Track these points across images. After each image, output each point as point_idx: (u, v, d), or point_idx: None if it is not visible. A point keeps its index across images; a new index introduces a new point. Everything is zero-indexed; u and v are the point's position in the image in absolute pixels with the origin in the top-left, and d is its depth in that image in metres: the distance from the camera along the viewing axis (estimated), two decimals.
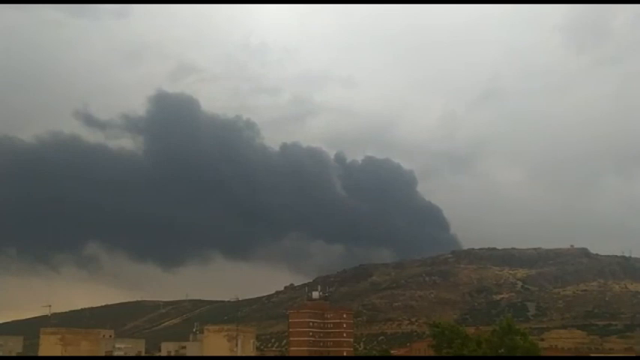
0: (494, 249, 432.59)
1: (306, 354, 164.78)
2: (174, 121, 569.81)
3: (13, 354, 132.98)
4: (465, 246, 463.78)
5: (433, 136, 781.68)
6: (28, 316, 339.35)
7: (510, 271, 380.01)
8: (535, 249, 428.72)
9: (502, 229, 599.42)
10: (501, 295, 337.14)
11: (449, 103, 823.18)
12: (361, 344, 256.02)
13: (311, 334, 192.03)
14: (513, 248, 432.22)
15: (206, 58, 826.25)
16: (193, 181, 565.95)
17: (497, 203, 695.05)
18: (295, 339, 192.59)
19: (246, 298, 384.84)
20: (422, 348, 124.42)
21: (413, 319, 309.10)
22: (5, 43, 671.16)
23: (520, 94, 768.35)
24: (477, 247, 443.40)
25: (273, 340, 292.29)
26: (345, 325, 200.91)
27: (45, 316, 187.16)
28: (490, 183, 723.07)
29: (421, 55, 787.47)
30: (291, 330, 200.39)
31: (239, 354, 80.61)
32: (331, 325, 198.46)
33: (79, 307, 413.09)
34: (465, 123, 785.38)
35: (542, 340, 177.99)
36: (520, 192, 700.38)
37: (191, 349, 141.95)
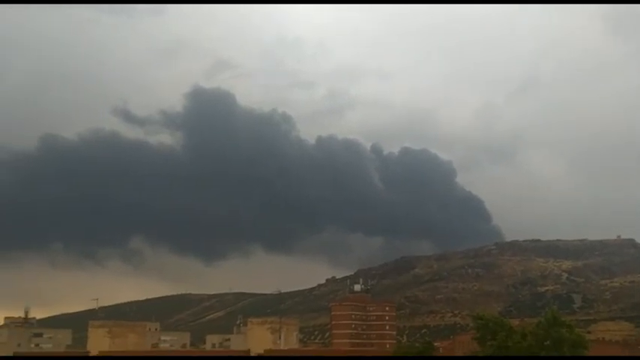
0: (538, 240, 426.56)
1: (349, 347, 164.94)
2: (211, 117, 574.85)
3: (63, 346, 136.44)
4: (508, 238, 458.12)
5: (472, 128, 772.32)
6: (76, 310, 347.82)
7: (555, 263, 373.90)
8: (580, 240, 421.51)
9: (546, 220, 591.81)
10: (546, 287, 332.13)
11: (487, 94, 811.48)
12: (404, 337, 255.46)
13: (353, 326, 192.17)
14: (558, 240, 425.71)
15: (242, 54, 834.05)
16: (231, 175, 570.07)
17: (539, 194, 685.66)
18: (338, 332, 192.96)
19: (289, 291, 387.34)
20: (465, 340, 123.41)
21: (456, 312, 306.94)
22: (44, 44, 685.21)
23: (560, 83, 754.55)
24: (520, 238, 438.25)
25: (316, 333, 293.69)
26: (387, 318, 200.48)
27: (92, 310, 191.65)
28: (531, 174, 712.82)
29: (458, 46, 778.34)
30: (333, 323, 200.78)
31: (282, 346, 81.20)
32: (374, 318, 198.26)
33: (125, 301, 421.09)
34: (503, 114, 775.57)
35: (589, 332, 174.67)
36: (563, 183, 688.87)
37: (235, 342, 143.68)
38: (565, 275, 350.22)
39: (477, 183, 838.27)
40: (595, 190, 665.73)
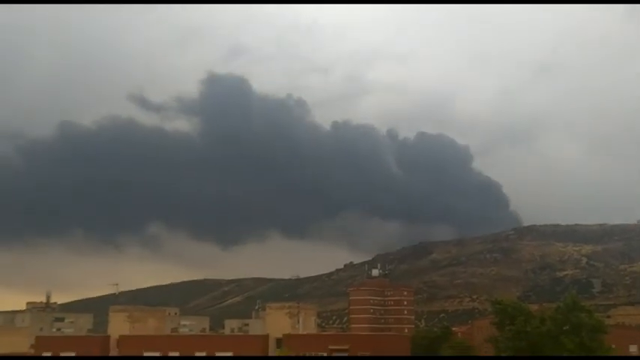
0: (557, 225, 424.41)
1: (367, 331, 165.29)
2: (226, 103, 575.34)
3: (84, 331, 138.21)
4: (527, 222, 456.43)
5: (490, 112, 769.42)
6: (97, 295, 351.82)
7: (575, 248, 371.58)
8: (600, 225, 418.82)
9: (565, 204, 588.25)
10: (565, 272, 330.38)
11: (505, 79, 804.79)
12: (422, 321, 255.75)
13: (372, 311, 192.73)
14: (577, 224, 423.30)
15: (257, 39, 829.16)
16: (248, 160, 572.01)
17: (558, 179, 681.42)
18: (356, 316, 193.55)
19: (307, 276, 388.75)
20: (484, 325, 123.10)
21: (474, 297, 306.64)
22: (61, 33, 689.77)
23: (579, 67, 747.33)
24: (539, 223, 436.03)
25: (334, 318, 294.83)
26: (405, 303, 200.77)
27: (113, 295, 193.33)
28: (550, 158, 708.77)
29: (476, 29, 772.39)
30: (351, 307, 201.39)
31: (300, 331, 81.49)
32: (392, 303, 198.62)
33: (145, 286, 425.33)
34: (521, 98, 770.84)
35: (609, 317, 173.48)
36: (582, 167, 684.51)
37: (254, 327, 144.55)
38: (584, 260, 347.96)
39: (495, 167, 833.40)
40: (615, 174, 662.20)
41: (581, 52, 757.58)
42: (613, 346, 76.32)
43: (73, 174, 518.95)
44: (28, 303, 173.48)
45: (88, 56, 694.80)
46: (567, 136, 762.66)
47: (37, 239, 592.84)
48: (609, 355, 69.13)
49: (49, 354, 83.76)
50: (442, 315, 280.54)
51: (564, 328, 71.67)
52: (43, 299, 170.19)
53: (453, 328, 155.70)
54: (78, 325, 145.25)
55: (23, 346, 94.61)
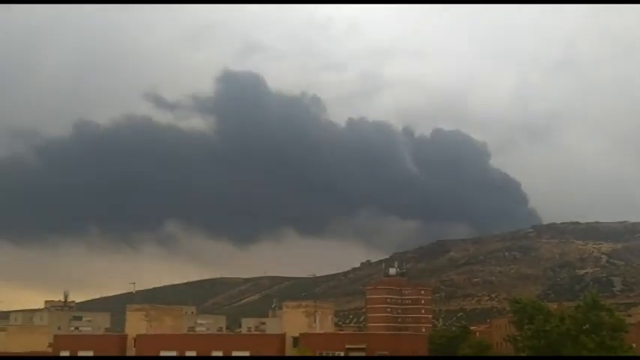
0: (577, 223, 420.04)
1: (384, 330, 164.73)
2: (241, 100, 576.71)
3: (102, 330, 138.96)
4: (546, 220, 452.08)
5: (507, 107, 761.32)
6: (114, 293, 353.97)
7: (595, 245, 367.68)
8: (620, 222, 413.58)
9: (584, 202, 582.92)
10: (585, 270, 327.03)
11: (523, 74, 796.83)
12: (440, 320, 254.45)
13: (389, 310, 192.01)
14: (597, 222, 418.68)
15: (271, 36, 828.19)
16: (262, 158, 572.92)
17: (577, 175, 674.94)
18: (373, 315, 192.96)
19: (323, 274, 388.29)
20: (502, 324, 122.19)
21: (493, 295, 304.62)
22: (77, 32, 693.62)
23: (597, 60, 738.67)
24: (558, 221, 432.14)
25: (351, 317, 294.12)
26: (423, 302, 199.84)
27: (130, 293, 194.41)
28: (569, 154, 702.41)
29: (493, 24, 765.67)
30: (368, 306, 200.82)
31: (317, 330, 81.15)
32: (409, 302, 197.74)
33: (161, 285, 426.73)
34: (540, 93, 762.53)
35: (630, 315, 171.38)
36: (602, 163, 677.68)
37: (270, 326, 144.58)
38: (605, 258, 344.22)
39: (513, 164, 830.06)
40: (635, 171, 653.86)
41: (601, 46, 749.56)
42: (634, 345, 75.34)
43: (89, 173, 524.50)
44: (46, 302, 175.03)
45: (104, 55, 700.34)
46: (587, 132, 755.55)
47: (55, 238, 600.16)
48: (621, 356, 68.01)
49: (67, 352, 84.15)
50: (460, 314, 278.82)
51: (584, 327, 70.88)
52: (61, 298, 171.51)
53: (472, 327, 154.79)
54: (96, 324, 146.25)
55: (42, 345, 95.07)
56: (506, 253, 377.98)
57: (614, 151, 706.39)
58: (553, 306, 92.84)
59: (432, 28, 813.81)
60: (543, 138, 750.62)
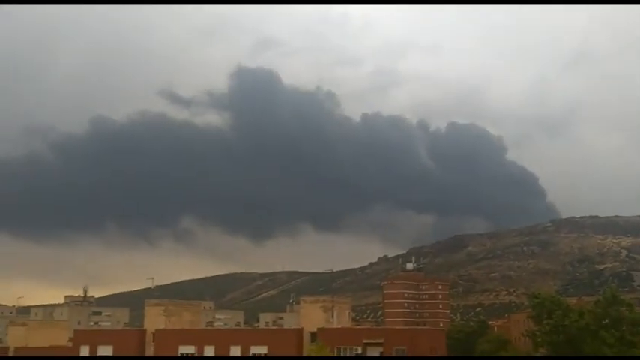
0: (596, 217, 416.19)
1: (402, 325, 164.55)
2: (255, 96, 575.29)
3: (121, 324, 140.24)
4: (564, 214, 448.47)
5: (523, 102, 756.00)
6: (132, 289, 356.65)
7: (614, 240, 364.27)
8: None
9: (603, 196, 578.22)
10: (604, 265, 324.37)
11: (538, 68, 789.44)
12: (458, 315, 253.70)
13: (406, 305, 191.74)
14: (617, 216, 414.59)
15: (285, 32, 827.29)
16: (277, 153, 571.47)
17: (595, 170, 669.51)
18: (390, 310, 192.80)
19: (340, 269, 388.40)
20: (521, 319, 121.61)
21: (511, 290, 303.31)
22: (92, 29, 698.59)
23: (614, 54, 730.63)
24: (577, 215, 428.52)
25: (368, 312, 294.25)
26: (440, 296, 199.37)
27: (148, 288, 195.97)
28: (586, 149, 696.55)
29: (509, 18, 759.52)
30: (385, 301, 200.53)
31: (335, 325, 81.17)
32: (426, 296, 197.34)
33: (179, 280, 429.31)
34: (556, 87, 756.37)
35: None
36: (620, 157, 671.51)
37: (288, 320, 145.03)
38: (624, 252, 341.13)
39: (530, 159, 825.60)
40: None
41: (617, 40, 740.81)
42: None
43: (106, 169, 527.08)
44: (66, 297, 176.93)
45: (119, 53, 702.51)
46: (605, 126, 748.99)
47: (73, 235, 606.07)
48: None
49: (86, 347, 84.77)
50: (478, 309, 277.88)
51: (604, 322, 70.43)
52: (81, 293, 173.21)
53: (490, 322, 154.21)
54: (115, 319, 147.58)
55: (62, 339, 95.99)
56: (525, 248, 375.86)
57: (632, 145, 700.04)
58: (572, 301, 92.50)
59: (448, 24, 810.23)
60: (560, 132, 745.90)
